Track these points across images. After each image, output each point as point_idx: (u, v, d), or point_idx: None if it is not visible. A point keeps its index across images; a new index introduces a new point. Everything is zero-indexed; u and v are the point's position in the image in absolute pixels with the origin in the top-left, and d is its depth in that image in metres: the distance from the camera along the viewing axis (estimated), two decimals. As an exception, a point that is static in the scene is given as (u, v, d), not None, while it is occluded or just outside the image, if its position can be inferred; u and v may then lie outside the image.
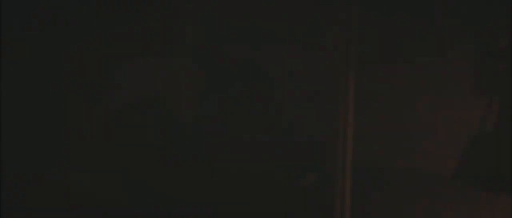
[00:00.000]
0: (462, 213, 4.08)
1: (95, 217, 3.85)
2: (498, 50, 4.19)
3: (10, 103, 4.15)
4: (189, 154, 4.10)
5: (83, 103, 4.27)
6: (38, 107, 4.23)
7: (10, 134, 4.11)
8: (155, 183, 3.99)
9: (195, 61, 4.33)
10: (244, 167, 4.10)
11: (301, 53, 4.46)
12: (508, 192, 4.19)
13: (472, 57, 4.40)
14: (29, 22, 4.20)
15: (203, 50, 4.44)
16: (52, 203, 3.89)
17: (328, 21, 4.33)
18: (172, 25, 4.40)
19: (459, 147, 4.45)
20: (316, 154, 4.18)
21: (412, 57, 4.57)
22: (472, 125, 4.37)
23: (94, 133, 4.17)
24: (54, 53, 4.26)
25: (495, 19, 4.24)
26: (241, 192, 3.94)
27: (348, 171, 3.47)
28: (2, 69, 4.12)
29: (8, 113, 4.13)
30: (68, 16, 4.27)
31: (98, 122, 4.17)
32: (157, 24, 4.34)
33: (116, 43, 4.28)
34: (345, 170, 3.46)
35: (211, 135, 4.24)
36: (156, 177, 4.00)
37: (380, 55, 4.57)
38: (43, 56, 4.25)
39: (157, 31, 4.34)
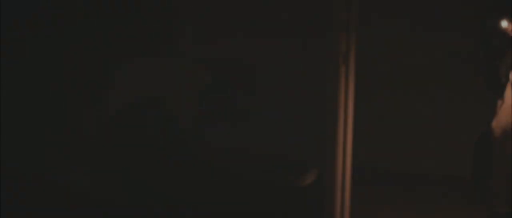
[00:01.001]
0: (461, 212, 4.09)
1: (95, 217, 3.85)
2: (496, 31, 4.06)
3: (10, 103, 4.16)
4: (189, 154, 4.10)
5: (83, 103, 4.27)
6: (38, 107, 4.23)
7: (10, 134, 4.12)
8: (155, 183, 3.99)
9: (195, 62, 4.33)
10: (244, 167, 4.10)
11: (300, 53, 4.47)
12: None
13: (472, 57, 4.40)
14: (29, 22, 4.21)
15: (202, 50, 4.44)
16: (52, 203, 3.89)
17: (328, 21, 4.34)
18: (172, 25, 4.40)
19: (459, 147, 4.45)
20: (316, 154, 4.18)
21: (412, 57, 4.58)
22: (472, 125, 4.37)
23: (94, 133, 4.17)
24: (54, 53, 4.26)
25: (496, 19, 4.24)
26: (241, 192, 3.94)
27: (348, 171, 3.47)
28: (2, 69, 4.13)
29: (8, 113, 4.13)
30: (68, 16, 4.27)
31: (98, 122, 4.17)
32: (157, 24, 4.34)
33: (116, 43, 4.28)
34: (345, 170, 3.46)
35: (211, 135, 4.24)
36: (156, 177, 4.00)
37: (379, 54, 4.57)
38: (43, 56, 4.25)
39: (157, 31, 4.34)
